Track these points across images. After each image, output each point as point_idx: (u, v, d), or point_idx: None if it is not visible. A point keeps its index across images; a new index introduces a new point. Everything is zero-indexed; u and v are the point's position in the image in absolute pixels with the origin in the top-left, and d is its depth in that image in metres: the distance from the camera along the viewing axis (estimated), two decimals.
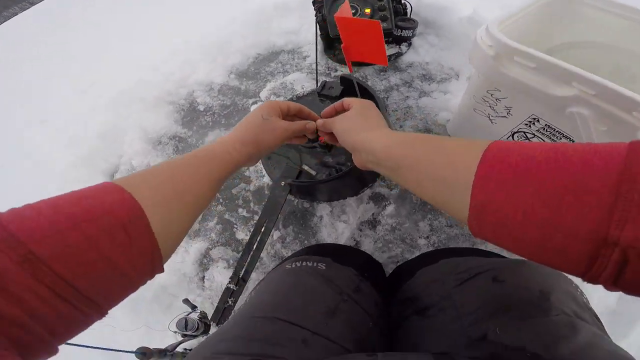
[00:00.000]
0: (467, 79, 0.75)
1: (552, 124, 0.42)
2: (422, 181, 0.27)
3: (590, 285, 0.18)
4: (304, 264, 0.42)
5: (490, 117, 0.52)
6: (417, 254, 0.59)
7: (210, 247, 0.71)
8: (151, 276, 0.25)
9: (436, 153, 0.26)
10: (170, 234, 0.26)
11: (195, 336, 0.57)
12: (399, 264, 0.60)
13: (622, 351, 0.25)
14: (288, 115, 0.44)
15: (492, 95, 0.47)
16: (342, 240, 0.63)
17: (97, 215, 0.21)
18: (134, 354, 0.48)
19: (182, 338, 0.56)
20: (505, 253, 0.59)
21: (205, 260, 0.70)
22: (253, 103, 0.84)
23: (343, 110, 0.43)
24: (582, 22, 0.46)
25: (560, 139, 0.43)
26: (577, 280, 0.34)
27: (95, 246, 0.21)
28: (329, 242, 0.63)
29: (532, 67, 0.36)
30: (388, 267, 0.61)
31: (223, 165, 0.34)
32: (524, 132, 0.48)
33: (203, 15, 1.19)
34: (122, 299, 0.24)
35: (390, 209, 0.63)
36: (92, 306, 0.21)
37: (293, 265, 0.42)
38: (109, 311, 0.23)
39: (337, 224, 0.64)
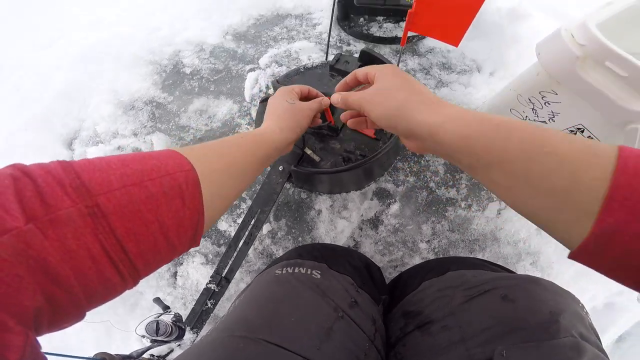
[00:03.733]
0: (490, 74, 0.69)
1: (599, 137, 0.40)
2: (519, 188, 0.21)
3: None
4: (297, 270, 0.37)
5: (527, 120, 0.47)
6: (417, 258, 0.56)
7: None
8: (188, 248, 0.25)
9: (542, 154, 0.20)
10: (214, 209, 0.27)
11: (167, 342, 0.48)
12: (398, 269, 0.56)
13: None
14: (302, 99, 0.45)
15: (543, 97, 0.43)
16: (341, 240, 0.56)
17: (159, 175, 0.22)
18: None
19: (151, 343, 0.48)
20: (510, 267, 0.56)
21: None
22: (250, 70, 0.73)
23: (359, 84, 0.36)
24: None
25: None
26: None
27: (155, 206, 0.21)
28: (326, 241, 0.56)
29: (624, 75, 0.34)
30: (387, 271, 0.56)
31: (267, 145, 0.35)
32: None
33: None
34: (157, 269, 0.24)
35: (394, 207, 0.57)
36: (132, 272, 0.21)
37: (284, 271, 0.38)
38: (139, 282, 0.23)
39: (337, 221, 0.56)
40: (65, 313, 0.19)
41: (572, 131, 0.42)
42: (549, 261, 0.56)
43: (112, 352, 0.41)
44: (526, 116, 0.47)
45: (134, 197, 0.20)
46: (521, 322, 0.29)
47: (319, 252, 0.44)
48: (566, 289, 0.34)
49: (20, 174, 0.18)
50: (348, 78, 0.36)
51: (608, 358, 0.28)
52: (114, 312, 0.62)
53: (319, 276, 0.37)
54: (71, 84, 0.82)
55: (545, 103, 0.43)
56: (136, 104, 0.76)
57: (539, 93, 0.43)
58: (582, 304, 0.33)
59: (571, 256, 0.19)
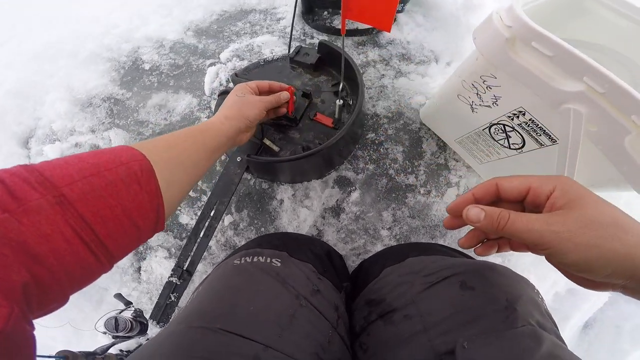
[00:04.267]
0: (447, 64, 0.72)
1: (538, 119, 0.41)
2: None
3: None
4: (256, 259, 0.37)
5: (473, 106, 0.49)
6: (379, 245, 0.56)
7: None
8: (153, 232, 0.28)
9: None
10: (171, 195, 0.29)
11: (129, 337, 0.47)
12: (360, 256, 0.57)
13: None
14: (258, 93, 0.47)
15: (484, 82, 0.44)
16: (304, 229, 0.56)
17: (115, 165, 0.24)
18: (53, 359, 0.38)
19: (113, 340, 0.47)
20: (471, 253, 0.58)
21: (142, 248, 0.59)
22: (211, 64, 0.72)
23: (495, 199, 0.27)
24: (582, 18, 0.45)
25: (540, 135, 0.42)
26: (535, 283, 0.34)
27: (115, 192, 0.23)
28: (289, 230, 0.56)
29: (549, 55, 0.34)
30: (350, 259, 0.57)
31: (215, 135, 0.37)
32: (504, 125, 0.46)
33: None
34: (129, 252, 0.26)
35: (355, 195, 0.58)
36: (105, 252, 0.23)
37: (242, 261, 0.37)
38: (114, 265, 0.25)
39: (299, 210, 0.57)
40: (50, 292, 0.20)
41: (514, 114, 0.43)
42: None
43: (79, 349, 0.40)
44: (472, 101, 0.48)
45: (95, 185, 0.22)
46: (480, 310, 0.29)
47: (279, 240, 0.44)
48: (527, 275, 0.34)
49: None
50: (479, 190, 0.27)
51: (565, 344, 0.28)
52: (80, 309, 0.60)
53: (279, 264, 0.36)
54: (24, 82, 0.78)
55: (487, 87, 0.44)
56: (93, 100, 0.73)
57: (480, 77, 0.44)
58: (537, 290, 0.34)
59: None
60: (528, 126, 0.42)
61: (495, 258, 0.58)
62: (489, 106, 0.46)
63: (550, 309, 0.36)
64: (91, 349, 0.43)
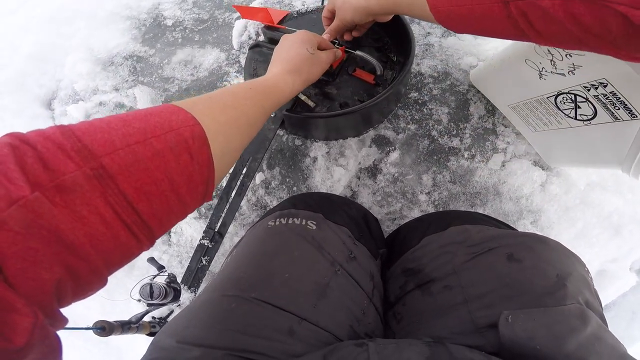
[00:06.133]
0: None
1: (622, 92, 0.38)
2: None
3: None
4: (291, 221, 0.35)
5: (543, 72, 0.44)
6: (417, 211, 0.54)
7: None
8: (200, 204, 0.25)
9: None
10: (224, 164, 0.26)
11: (163, 304, 0.46)
12: (396, 221, 0.54)
13: (622, 346, 0.25)
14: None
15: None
16: (338, 190, 0.53)
17: (164, 131, 0.21)
18: (91, 330, 0.37)
19: (147, 308, 0.46)
20: (510, 224, 0.54)
21: None
22: (238, 17, 0.67)
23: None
24: None
25: (619, 109, 0.39)
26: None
27: (163, 163, 0.20)
28: (322, 190, 0.54)
29: None
30: (385, 224, 0.54)
31: (277, 98, 0.34)
32: (576, 94, 0.42)
33: None
34: (170, 228, 0.23)
35: (394, 155, 0.54)
36: (147, 233, 0.20)
37: (277, 222, 0.35)
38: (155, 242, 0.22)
39: (333, 169, 0.54)
40: (87, 281, 0.18)
41: (593, 86, 0.39)
42: (550, 221, 0.55)
43: (114, 318, 0.40)
44: (543, 67, 0.44)
45: (140, 155, 0.19)
46: (527, 285, 0.28)
47: (314, 201, 0.41)
48: None
49: (19, 142, 0.17)
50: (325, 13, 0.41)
51: (607, 326, 0.28)
52: (112, 275, 0.59)
53: (314, 227, 0.35)
54: (43, 45, 0.77)
55: (566, 55, 0.39)
56: (115, 59, 0.70)
57: None
58: (587, 268, 0.32)
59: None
60: (607, 98, 0.39)
61: (535, 231, 0.55)
62: (562, 74, 0.42)
63: None
64: (126, 318, 0.42)
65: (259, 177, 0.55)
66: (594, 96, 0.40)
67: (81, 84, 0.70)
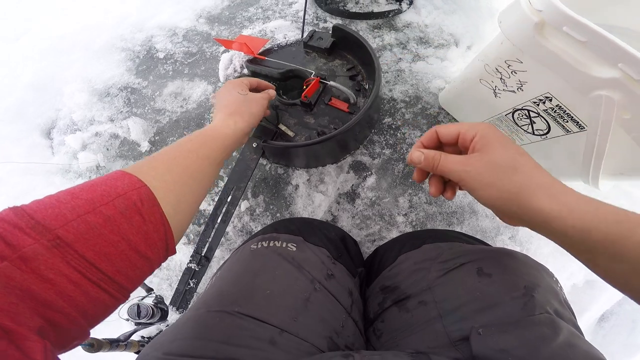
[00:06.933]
0: (468, 48, 0.69)
1: (566, 105, 0.40)
2: (637, 280, 0.21)
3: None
4: (272, 243, 0.37)
5: (496, 90, 0.48)
6: (395, 232, 0.56)
7: None
8: (165, 258, 0.26)
9: None
10: (179, 219, 0.27)
11: (150, 323, 0.49)
12: (375, 242, 0.56)
13: (597, 351, 0.25)
14: (251, 90, 0.46)
15: (509, 66, 0.43)
16: (319, 214, 0.56)
17: (111, 198, 0.22)
18: (80, 346, 0.40)
19: (136, 327, 0.48)
20: (490, 242, 0.56)
21: None
22: (224, 51, 0.71)
23: (438, 145, 0.31)
24: (627, 5, 0.43)
25: (567, 122, 0.40)
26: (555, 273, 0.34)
27: (116, 227, 0.22)
28: (304, 215, 0.56)
29: (582, 41, 0.33)
30: (365, 245, 0.56)
31: (221, 143, 0.35)
32: (529, 110, 0.45)
33: None
34: (142, 281, 0.24)
35: (371, 180, 0.57)
36: (117, 288, 0.21)
37: (259, 246, 0.37)
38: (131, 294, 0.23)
39: (314, 195, 0.57)
40: (67, 330, 0.19)
41: (541, 100, 0.42)
42: (528, 236, 0.57)
43: (103, 337, 0.42)
44: (495, 86, 0.47)
45: (92, 223, 0.21)
46: (497, 297, 0.28)
47: (295, 225, 0.44)
48: (545, 265, 0.33)
49: None
50: (425, 138, 0.30)
51: (582, 334, 0.28)
52: None
53: (294, 249, 0.36)
54: (43, 75, 0.81)
55: (512, 72, 0.43)
56: (111, 90, 0.75)
57: (505, 62, 0.42)
58: (555, 278, 0.33)
59: None
60: (555, 112, 0.41)
61: (514, 247, 0.56)
62: (513, 91, 0.45)
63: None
64: (115, 336, 0.45)
65: (244, 205, 0.58)
66: (544, 110, 0.43)
67: (79, 114, 0.74)
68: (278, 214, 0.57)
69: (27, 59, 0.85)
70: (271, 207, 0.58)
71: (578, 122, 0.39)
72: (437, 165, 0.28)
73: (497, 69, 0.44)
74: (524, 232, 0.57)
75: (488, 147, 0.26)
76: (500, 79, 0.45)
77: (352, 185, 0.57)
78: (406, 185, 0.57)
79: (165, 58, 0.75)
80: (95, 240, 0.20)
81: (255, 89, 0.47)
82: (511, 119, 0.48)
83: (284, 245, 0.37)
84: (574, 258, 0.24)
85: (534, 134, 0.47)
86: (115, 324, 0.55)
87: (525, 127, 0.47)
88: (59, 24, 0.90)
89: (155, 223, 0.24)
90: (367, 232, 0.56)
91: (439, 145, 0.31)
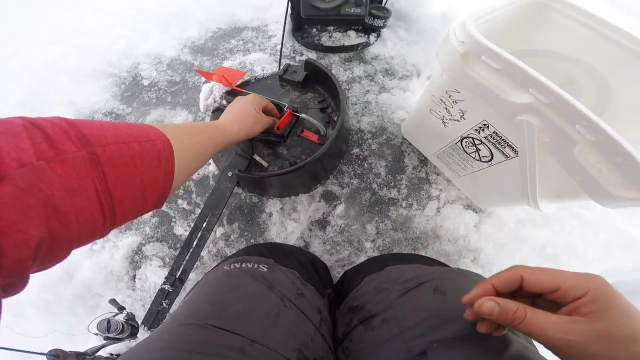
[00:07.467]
0: (427, 78, 0.74)
1: (500, 131, 0.42)
2: None
3: None
4: (244, 265, 0.39)
5: (444, 120, 0.50)
6: (363, 257, 0.58)
7: (143, 242, 0.63)
8: (154, 207, 0.30)
9: None
10: (179, 178, 0.31)
11: (120, 339, 0.50)
12: (345, 267, 0.59)
13: None
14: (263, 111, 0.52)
15: (450, 96, 0.45)
16: (291, 241, 0.59)
17: (144, 139, 0.27)
18: (45, 356, 0.41)
19: (104, 341, 0.49)
20: (450, 263, 0.59)
21: (137, 258, 0.62)
22: (206, 81, 0.75)
23: (512, 290, 0.25)
24: (549, 30, 0.45)
25: (505, 147, 0.42)
26: None
27: (139, 163, 0.25)
28: (277, 241, 0.59)
29: (497, 68, 0.35)
30: (335, 270, 0.59)
31: (225, 138, 0.42)
32: (473, 138, 0.47)
33: None
34: (127, 221, 0.27)
35: (340, 209, 0.61)
36: (111, 218, 0.24)
37: (231, 267, 0.39)
38: (110, 232, 0.26)
39: (287, 223, 0.60)
40: (59, 248, 0.21)
41: (480, 128, 0.44)
42: (489, 258, 0.59)
43: (70, 349, 0.43)
44: (443, 116, 0.49)
45: (125, 152, 0.24)
46: (451, 313, 0.30)
47: (266, 249, 0.46)
48: None
49: (29, 124, 0.20)
50: (499, 280, 0.25)
51: (535, 347, 0.28)
52: (74, 313, 0.62)
53: (265, 269, 0.38)
54: (31, 96, 0.83)
55: (453, 102, 0.44)
56: (96, 115, 0.77)
57: (446, 92, 0.44)
58: None
59: None
60: (493, 139, 0.43)
61: (477, 269, 0.59)
62: (457, 120, 0.47)
63: None
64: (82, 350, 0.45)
65: (219, 231, 0.61)
66: (485, 137, 0.44)
67: None
68: (252, 240, 0.60)
69: (15, 80, 0.87)
70: (246, 233, 0.60)
71: (513, 148, 0.41)
72: (520, 323, 0.23)
73: (441, 99, 0.46)
74: (484, 254, 0.59)
75: (604, 314, 0.21)
76: (445, 108, 0.47)
77: (323, 213, 0.61)
78: (373, 213, 0.61)
79: (149, 85, 0.78)
80: (121, 167, 0.24)
81: (268, 112, 0.54)
82: (461, 147, 0.50)
83: (255, 266, 0.38)
84: None
85: (480, 160, 0.49)
86: (83, 337, 0.56)
87: (473, 155, 0.49)
88: (49, 46, 0.92)
89: (165, 171, 0.28)
90: (337, 257, 0.59)
91: (515, 290, 0.25)
